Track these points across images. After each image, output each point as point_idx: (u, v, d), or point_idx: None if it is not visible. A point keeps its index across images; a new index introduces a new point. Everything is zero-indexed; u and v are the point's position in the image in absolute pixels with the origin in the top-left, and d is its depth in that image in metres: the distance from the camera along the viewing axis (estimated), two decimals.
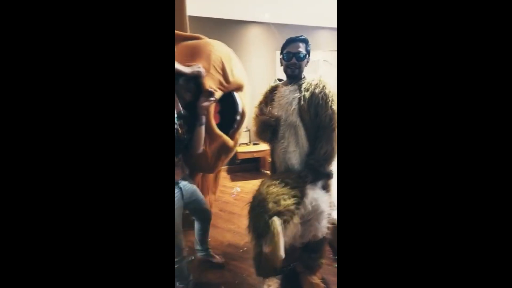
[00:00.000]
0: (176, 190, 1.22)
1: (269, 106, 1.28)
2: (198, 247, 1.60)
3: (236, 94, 1.48)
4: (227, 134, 1.46)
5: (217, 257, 1.64)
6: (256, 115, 1.31)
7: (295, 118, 1.19)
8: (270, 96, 1.31)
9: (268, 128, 1.23)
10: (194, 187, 1.38)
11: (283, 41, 1.25)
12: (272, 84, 1.36)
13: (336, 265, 1.53)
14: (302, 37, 1.21)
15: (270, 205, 1.02)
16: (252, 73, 3.28)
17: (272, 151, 1.32)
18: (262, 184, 1.13)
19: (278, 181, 1.12)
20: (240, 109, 1.49)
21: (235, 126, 1.52)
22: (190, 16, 1.79)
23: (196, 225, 1.52)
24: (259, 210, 1.04)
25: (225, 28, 3.22)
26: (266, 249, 0.99)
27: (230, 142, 1.47)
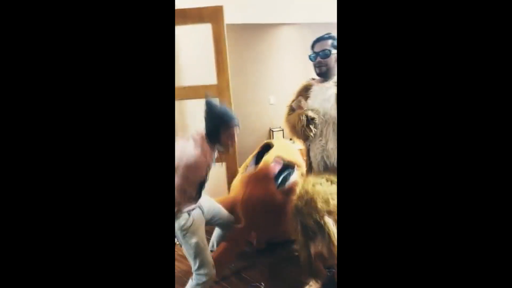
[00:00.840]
0: (197, 211, 1.22)
1: (304, 100, 1.28)
2: (211, 248, 1.61)
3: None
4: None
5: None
6: (295, 111, 1.29)
7: (333, 114, 1.18)
8: (304, 94, 1.31)
9: (310, 122, 1.21)
10: (211, 200, 1.39)
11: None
12: (305, 82, 1.37)
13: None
14: (327, 35, 1.22)
15: (319, 204, 1.00)
16: (288, 73, 3.29)
17: (308, 150, 1.32)
18: (306, 183, 1.11)
19: (324, 179, 1.11)
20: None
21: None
22: (228, 25, 1.89)
23: (217, 231, 1.55)
24: (308, 210, 1.03)
25: (259, 32, 3.30)
26: (316, 249, 0.99)
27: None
